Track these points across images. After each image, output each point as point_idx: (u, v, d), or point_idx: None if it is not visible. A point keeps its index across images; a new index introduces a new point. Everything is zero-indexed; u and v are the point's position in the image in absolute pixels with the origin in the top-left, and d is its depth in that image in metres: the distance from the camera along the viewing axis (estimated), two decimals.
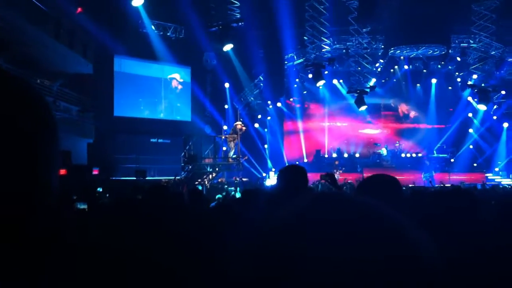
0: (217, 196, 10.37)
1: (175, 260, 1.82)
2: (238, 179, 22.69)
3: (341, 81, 29.60)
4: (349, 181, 22.48)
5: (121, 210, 1.99)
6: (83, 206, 6.28)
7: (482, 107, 26.76)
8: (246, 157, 24.75)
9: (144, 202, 3.67)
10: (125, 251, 1.69)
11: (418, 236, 0.75)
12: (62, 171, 14.44)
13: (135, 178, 18.11)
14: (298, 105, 30.70)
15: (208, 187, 20.11)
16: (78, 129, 21.08)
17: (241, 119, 23.76)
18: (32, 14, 17.08)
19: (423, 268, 0.73)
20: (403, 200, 2.94)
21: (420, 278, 0.72)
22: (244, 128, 21.81)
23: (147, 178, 18.60)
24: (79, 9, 20.60)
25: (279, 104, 29.34)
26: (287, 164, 3.99)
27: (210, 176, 21.84)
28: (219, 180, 22.68)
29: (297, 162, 29.01)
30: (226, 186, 19.17)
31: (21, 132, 0.81)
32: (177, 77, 24.59)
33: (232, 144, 21.74)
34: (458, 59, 28.39)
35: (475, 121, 29.42)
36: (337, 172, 24.18)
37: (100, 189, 10.86)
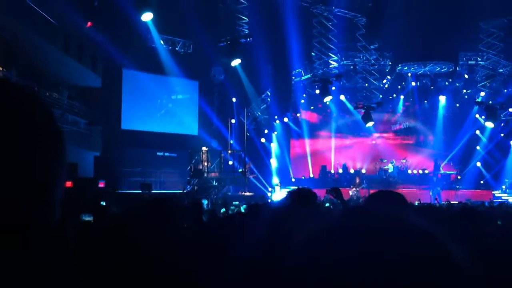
0: (221, 210, 10.34)
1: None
2: (242, 193, 22.69)
3: (348, 97, 29.58)
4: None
5: (124, 223, 1.99)
6: (88, 218, 6.28)
7: (489, 124, 26.63)
8: (255, 175, 24.78)
9: (146, 216, 3.67)
10: (125, 265, 1.69)
11: (456, 249, 0.76)
12: (68, 183, 14.47)
13: (140, 191, 18.13)
14: (305, 121, 30.66)
15: (214, 201, 20.08)
16: (85, 142, 21.15)
17: (248, 133, 23.82)
18: (41, 28, 17.24)
19: (463, 280, 0.74)
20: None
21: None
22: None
23: (152, 191, 18.61)
24: (89, 24, 20.79)
25: (286, 119, 29.34)
26: (296, 186, 3.81)
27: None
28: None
29: (303, 177, 29.00)
30: (236, 203, 19.07)
31: (25, 141, 0.81)
32: None
33: (204, 157, 21.86)
34: (466, 76, 28.34)
35: (482, 138, 29.29)
36: (353, 189, 23.88)
37: (103, 203, 10.83)
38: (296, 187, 3.84)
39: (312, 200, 3.63)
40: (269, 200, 21.10)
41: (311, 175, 29.72)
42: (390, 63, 27.74)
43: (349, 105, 29.33)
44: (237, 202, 16.95)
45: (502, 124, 28.94)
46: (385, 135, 31.55)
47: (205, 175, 21.75)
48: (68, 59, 19.48)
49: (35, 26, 16.75)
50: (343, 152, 31.03)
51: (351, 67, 28.11)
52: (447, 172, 28.80)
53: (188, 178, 21.88)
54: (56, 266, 1.01)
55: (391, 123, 31.94)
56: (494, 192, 27.01)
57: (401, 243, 0.73)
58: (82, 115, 22.04)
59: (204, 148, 22.38)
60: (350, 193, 23.40)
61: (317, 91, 27.16)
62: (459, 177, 28.74)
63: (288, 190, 3.79)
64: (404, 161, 29.73)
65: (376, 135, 30.88)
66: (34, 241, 0.84)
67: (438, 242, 0.74)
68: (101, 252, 1.76)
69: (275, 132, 29.57)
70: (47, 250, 0.90)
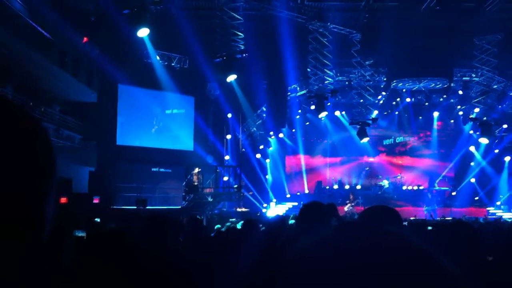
0: (216, 227, 10.30)
1: None
2: (237, 209, 22.67)
3: (343, 112, 29.71)
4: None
5: (117, 240, 1.98)
6: (81, 234, 6.25)
7: (484, 141, 26.75)
8: (251, 193, 24.79)
9: (141, 232, 3.67)
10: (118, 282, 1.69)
11: (449, 265, 0.75)
12: (63, 199, 14.43)
13: (135, 207, 18.07)
14: (300, 136, 30.72)
15: (209, 217, 20.04)
16: (80, 157, 21.10)
17: (243, 149, 23.83)
18: (37, 43, 17.29)
19: None
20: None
21: None
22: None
23: (147, 207, 18.55)
24: (85, 39, 20.86)
25: (281, 135, 29.39)
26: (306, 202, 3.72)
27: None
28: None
29: (298, 193, 28.98)
30: (234, 220, 19.07)
31: (16, 159, 0.81)
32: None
33: (195, 177, 22.29)
34: (460, 92, 28.48)
35: (476, 154, 29.39)
36: (348, 205, 23.97)
37: (98, 220, 10.77)
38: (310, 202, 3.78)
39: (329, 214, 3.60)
40: (265, 216, 21.07)
41: (306, 191, 29.71)
42: (385, 79, 27.86)
43: (344, 121, 29.43)
44: (234, 219, 16.91)
45: (497, 141, 29.07)
46: (380, 151, 31.62)
47: (200, 190, 21.75)
48: (63, 74, 19.50)
49: (31, 42, 16.79)
50: (338, 168, 31.09)
51: (346, 83, 28.22)
52: (442, 188, 28.85)
53: (184, 194, 21.83)
54: (48, 279, 1.01)
55: (386, 139, 32.02)
56: (488, 208, 27.08)
57: (396, 258, 0.73)
58: (77, 131, 22.02)
59: (196, 170, 22.47)
60: (345, 209, 23.44)
61: (313, 107, 27.24)
62: (453, 194, 28.79)
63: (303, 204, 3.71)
64: (399, 177, 29.80)
65: (371, 151, 30.95)
66: (24, 263, 0.83)
67: (432, 259, 0.74)
68: (95, 266, 1.76)
69: (271, 148, 29.60)
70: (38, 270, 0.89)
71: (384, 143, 31.92)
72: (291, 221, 9.10)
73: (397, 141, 32.13)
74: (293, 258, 0.79)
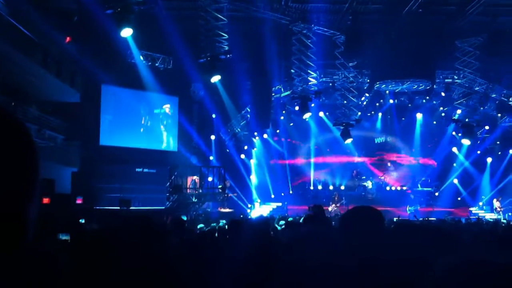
0: (198, 226, 10.29)
1: None
2: (221, 209, 22.68)
3: (327, 113, 29.81)
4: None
5: (102, 241, 1.97)
6: (65, 237, 6.17)
7: (466, 142, 26.99)
8: (236, 194, 24.82)
9: (125, 233, 3.64)
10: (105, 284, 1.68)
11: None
12: (46, 200, 14.29)
13: (119, 208, 17.96)
14: (283, 138, 30.78)
15: (193, 217, 20.00)
16: (62, 158, 20.90)
17: (227, 150, 23.82)
18: (20, 43, 17.10)
19: None
20: (384, 231, 2.94)
21: None
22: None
23: (131, 207, 18.46)
24: (68, 39, 20.68)
25: (265, 136, 29.40)
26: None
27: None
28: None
29: (282, 194, 29.03)
30: (224, 221, 19.06)
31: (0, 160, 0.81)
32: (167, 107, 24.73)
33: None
34: (443, 94, 28.75)
35: (459, 155, 29.67)
36: (333, 205, 24.15)
37: (82, 220, 10.69)
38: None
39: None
40: (249, 217, 21.08)
41: (291, 192, 29.76)
42: (368, 80, 28.01)
43: (328, 122, 29.52)
44: (224, 221, 16.88)
45: (479, 142, 29.38)
46: (363, 152, 31.77)
47: (185, 191, 21.70)
48: (46, 74, 19.32)
49: (13, 42, 16.61)
50: (322, 168, 31.18)
51: (330, 84, 28.30)
52: (425, 189, 29.09)
53: (168, 194, 21.75)
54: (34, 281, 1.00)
55: (370, 140, 32.20)
56: (471, 208, 27.36)
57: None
58: (59, 131, 21.84)
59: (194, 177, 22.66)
60: (330, 209, 23.57)
61: (297, 108, 27.30)
62: (436, 194, 29.05)
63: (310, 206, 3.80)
64: (382, 177, 29.98)
65: (354, 152, 31.09)
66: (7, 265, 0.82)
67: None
68: (81, 269, 1.74)
69: (255, 149, 29.60)
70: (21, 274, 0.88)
71: (368, 144, 32.09)
72: (282, 222, 9.10)
73: (380, 142, 32.32)
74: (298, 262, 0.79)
